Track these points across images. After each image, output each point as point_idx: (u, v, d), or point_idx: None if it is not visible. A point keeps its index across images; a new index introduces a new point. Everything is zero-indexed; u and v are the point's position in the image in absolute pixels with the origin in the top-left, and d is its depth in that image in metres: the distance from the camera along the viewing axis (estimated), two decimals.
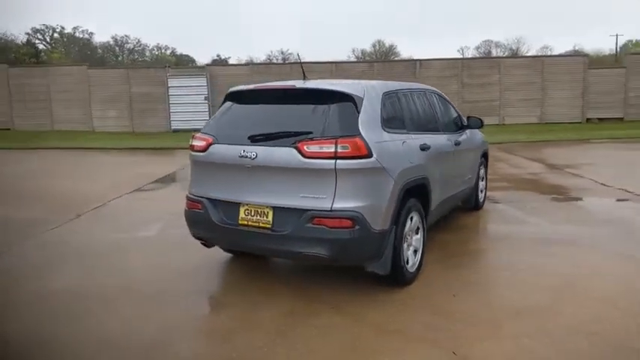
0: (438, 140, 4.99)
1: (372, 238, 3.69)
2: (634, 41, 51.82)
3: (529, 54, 43.22)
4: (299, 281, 4.40)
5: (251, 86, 4.37)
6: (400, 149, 4.12)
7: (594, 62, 25.96)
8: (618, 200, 7.24)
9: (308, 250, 3.64)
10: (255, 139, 3.86)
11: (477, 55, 49.56)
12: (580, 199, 7.49)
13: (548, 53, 39.62)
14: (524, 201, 7.30)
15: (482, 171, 6.80)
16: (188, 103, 20.37)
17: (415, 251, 4.26)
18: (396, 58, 45.40)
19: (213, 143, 4.07)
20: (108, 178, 10.21)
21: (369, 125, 3.81)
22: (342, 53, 70.98)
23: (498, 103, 20.14)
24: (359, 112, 3.80)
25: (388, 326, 3.49)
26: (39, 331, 3.53)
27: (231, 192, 3.97)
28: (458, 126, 5.86)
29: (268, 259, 4.89)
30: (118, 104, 20.40)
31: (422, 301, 3.89)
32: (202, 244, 4.45)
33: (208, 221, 4.03)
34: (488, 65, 20.41)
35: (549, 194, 7.80)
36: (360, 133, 3.68)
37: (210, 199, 4.08)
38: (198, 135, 4.24)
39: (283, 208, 3.74)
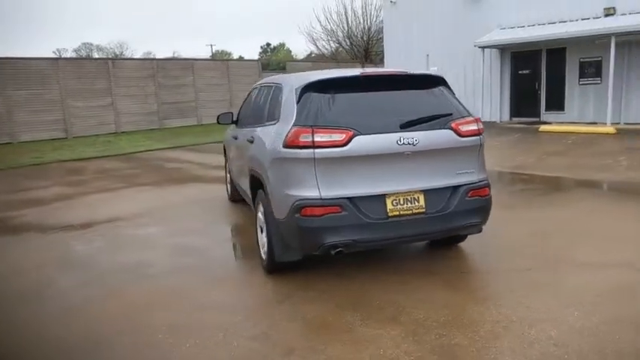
0: None
1: None
2: (221, 50, 63.33)
3: (136, 57, 43.97)
4: (370, 274, 4.30)
5: (357, 72, 4.12)
6: None
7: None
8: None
9: (468, 221, 3.99)
10: (407, 125, 3.84)
11: (82, 56, 47.30)
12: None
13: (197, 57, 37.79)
14: None
15: None
16: None
17: None
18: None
19: (355, 135, 3.73)
20: None
21: None
22: None
23: (195, 104, 21.37)
24: (453, 94, 4.27)
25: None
26: None
27: (375, 184, 3.80)
28: None
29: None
30: None
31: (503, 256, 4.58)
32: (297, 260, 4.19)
33: (355, 223, 3.71)
34: (182, 67, 21.37)
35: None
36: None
37: (349, 198, 3.76)
38: (324, 130, 3.71)
39: (434, 189, 3.92)
